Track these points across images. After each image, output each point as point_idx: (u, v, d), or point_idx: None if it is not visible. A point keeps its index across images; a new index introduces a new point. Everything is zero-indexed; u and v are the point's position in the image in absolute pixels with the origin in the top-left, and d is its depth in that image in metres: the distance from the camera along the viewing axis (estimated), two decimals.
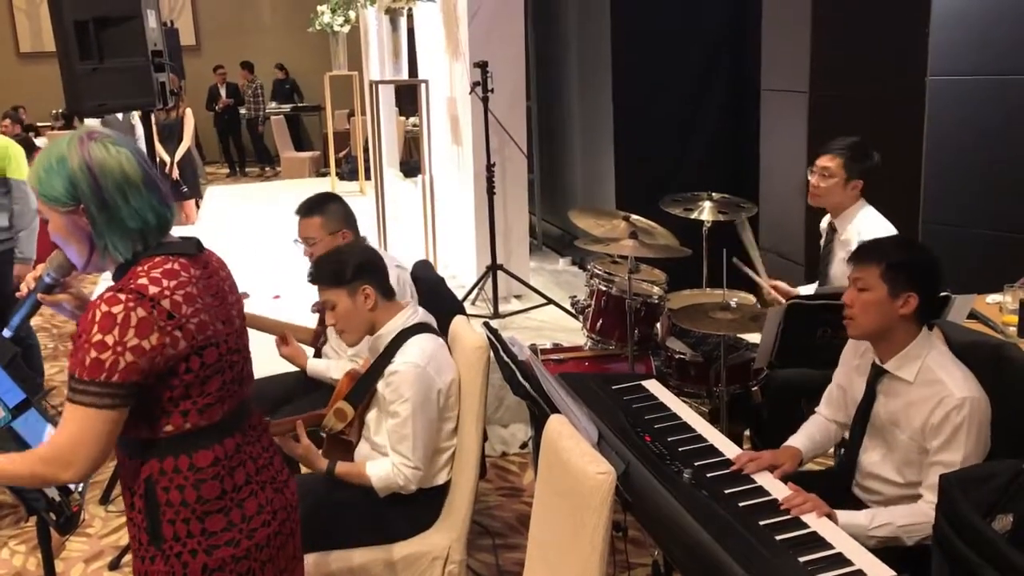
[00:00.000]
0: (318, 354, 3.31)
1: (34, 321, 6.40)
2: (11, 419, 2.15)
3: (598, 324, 3.65)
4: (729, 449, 2.41)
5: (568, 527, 1.92)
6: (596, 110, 5.95)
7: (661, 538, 2.20)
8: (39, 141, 9.49)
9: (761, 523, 2.04)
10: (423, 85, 5.91)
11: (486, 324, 2.85)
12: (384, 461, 2.51)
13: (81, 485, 2.22)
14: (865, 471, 2.36)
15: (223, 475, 1.71)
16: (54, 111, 11.89)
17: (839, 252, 3.29)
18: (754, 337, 3.35)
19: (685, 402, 2.79)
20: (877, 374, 2.32)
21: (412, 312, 2.61)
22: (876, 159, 3.27)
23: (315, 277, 2.56)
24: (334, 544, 2.49)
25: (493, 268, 5.06)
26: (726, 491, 2.18)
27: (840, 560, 1.91)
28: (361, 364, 2.74)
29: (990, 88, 3.97)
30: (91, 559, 3.38)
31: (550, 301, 5.12)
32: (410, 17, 7.70)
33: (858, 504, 2.32)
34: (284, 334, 3.22)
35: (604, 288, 3.62)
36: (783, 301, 3.37)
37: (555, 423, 2.07)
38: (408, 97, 10.10)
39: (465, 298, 5.02)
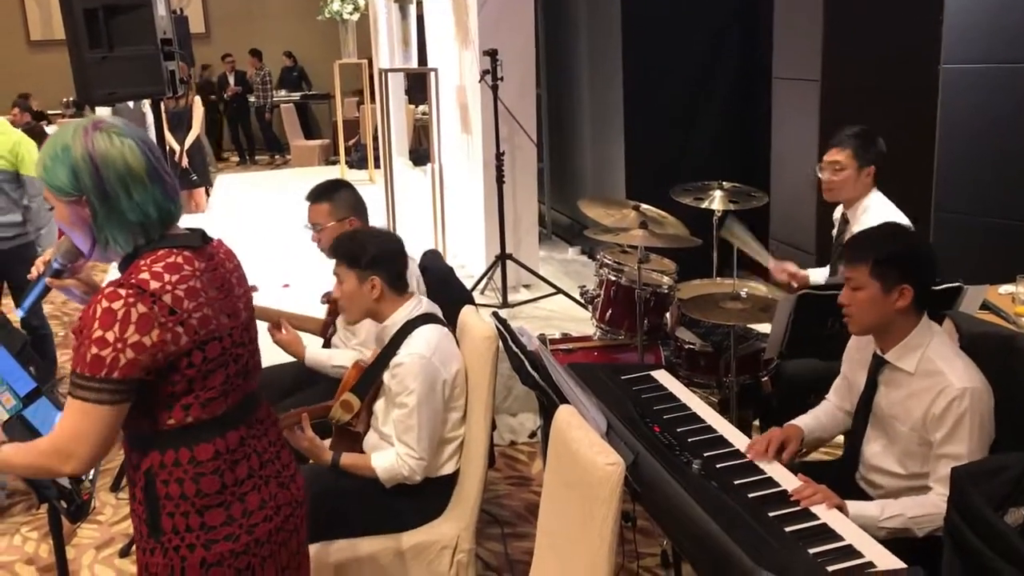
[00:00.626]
0: (327, 344, 3.30)
1: (46, 309, 6.44)
2: (22, 408, 2.16)
3: (607, 314, 3.64)
4: (739, 440, 2.40)
5: (577, 517, 1.92)
6: (606, 98, 5.93)
7: (670, 529, 2.19)
8: (50, 129, 9.51)
9: (771, 514, 2.04)
10: (432, 73, 5.89)
11: (495, 314, 2.84)
12: (389, 452, 2.51)
13: (92, 473, 2.23)
14: (868, 463, 2.35)
15: (224, 469, 1.69)
16: (64, 99, 11.90)
17: None
18: (764, 327, 3.33)
19: (694, 392, 2.78)
20: (878, 365, 2.31)
21: (417, 303, 2.61)
22: (882, 144, 3.25)
23: (334, 251, 2.63)
24: (342, 533, 2.50)
25: (502, 257, 5.05)
26: (735, 482, 2.17)
27: (850, 552, 1.90)
28: (369, 355, 2.74)
29: (1003, 76, 3.93)
30: (102, 546, 3.41)
31: (559, 291, 5.12)
32: (419, 5, 7.68)
33: (864, 496, 2.31)
34: (278, 321, 3.11)
35: (613, 278, 3.61)
36: (792, 284, 3.36)
37: (564, 413, 2.07)
38: (417, 85, 10.08)
39: (474, 287, 5.02)
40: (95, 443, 1.58)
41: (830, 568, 1.85)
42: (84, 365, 1.54)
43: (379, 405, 2.60)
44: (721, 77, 5.71)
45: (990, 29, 3.93)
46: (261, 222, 7.52)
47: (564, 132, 6.93)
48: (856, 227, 3.26)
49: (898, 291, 2.18)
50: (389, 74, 6.38)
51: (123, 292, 1.56)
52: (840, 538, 1.95)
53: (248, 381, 1.76)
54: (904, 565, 1.84)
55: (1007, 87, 3.92)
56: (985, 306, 2.94)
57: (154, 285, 1.58)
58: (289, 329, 3.11)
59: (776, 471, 2.24)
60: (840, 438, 2.89)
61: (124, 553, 3.33)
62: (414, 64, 7.99)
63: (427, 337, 2.51)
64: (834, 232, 3.47)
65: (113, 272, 1.67)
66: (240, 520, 1.71)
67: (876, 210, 3.24)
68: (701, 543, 1.97)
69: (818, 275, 3.51)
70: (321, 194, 3.12)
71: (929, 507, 2.11)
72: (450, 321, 2.73)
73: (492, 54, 4.76)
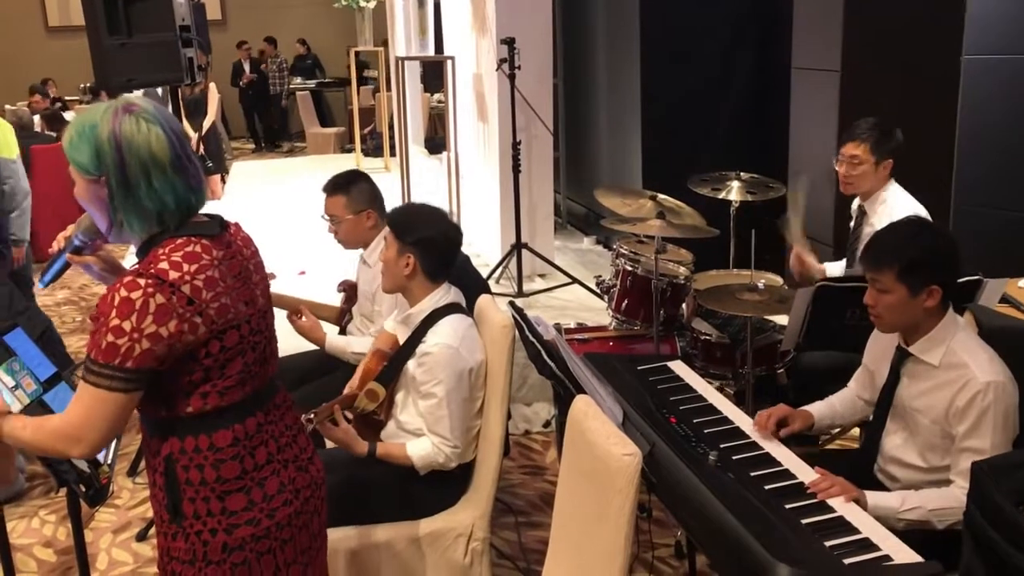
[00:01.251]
0: (343, 332, 3.30)
1: (63, 294, 6.49)
2: (42, 392, 2.18)
3: (623, 304, 3.64)
4: (755, 432, 2.39)
5: (593, 508, 1.92)
6: (623, 88, 5.90)
7: (686, 520, 2.19)
8: (68, 115, 9.56)
9: (787, 506, 2.03)
10: (449, 62, 5.87)
11: (511, 304, 2.84)
12: (424, 440, 2.51)
13: (111, 457, 2.24)
14: (887, 455, 2.34)
15: (243, 455, 1.70)
16: (82, 85, 11.95)
17: (869, 234, 3.25)
18: (781, 319, 3.32)
19: (710, 383, 2.78)
20: (902, 357, 2.30)
21: (444, 292, 2.61)
22: (899, 136, 3.22)
23: (390, 218, 2.67)
24: (358, 520, 2.51)
25: (518, 247, 5.05)
26: (752, 474, 2.17)
27: (867, 545, 1.89)
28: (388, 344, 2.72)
29: None
30: (119, 530, 3.44)
31: (575, 280, 5.11)
32: None
33: (882, 488, 2.30)
34: (298, 308, 3.11)
35: (630, 268, 3.60)
36: (813, 274, 3.34)
37: (580, 403, 2.06)
38: (433, 73, 10.06)
39: (489, 276, 5.01)
40: (104, 429, 1.59)
41: (847, 561, 1.84)
42: (99, 352, 1.55)
43: (398, 394, 2.60)
44: (740, 66, 5.67)
45: (1014, 19, 3.88)
46: (277, 209, 7.54)
47: (580, 121, 6.90)
48: (874, 219, 3.24)
49: (927, 292, 2.16)
50: (405, 62, 6.37)
51: (142, 282, 1.56)
52: (857, 531, 1.94)
53: (265, 368, 1.76)
54: (921, 559, 1.83)
55: None
56: (1005, 299, 2.92)
57: (173, 275, 1.58)
58: (309, 316, 3.10)
59: (793, 463, 2.23)
60: (855, 431, 2.88)
61: (141, 537, 3.36)
62: (431, 52, 7.97)
63: (454, 326, 2.52)
64: (851, 224, 3.44)
65: (133, 256, 1.67)
66: (260, 504, 1.72)
67: (894, 202, 3.21)
68: (717, 535, 1.97)
69: (835, 269, 3.48)
70: (338, 186, 3.11)
71: (950, 500, 2.10)
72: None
73: (509, 43, 4.74)
